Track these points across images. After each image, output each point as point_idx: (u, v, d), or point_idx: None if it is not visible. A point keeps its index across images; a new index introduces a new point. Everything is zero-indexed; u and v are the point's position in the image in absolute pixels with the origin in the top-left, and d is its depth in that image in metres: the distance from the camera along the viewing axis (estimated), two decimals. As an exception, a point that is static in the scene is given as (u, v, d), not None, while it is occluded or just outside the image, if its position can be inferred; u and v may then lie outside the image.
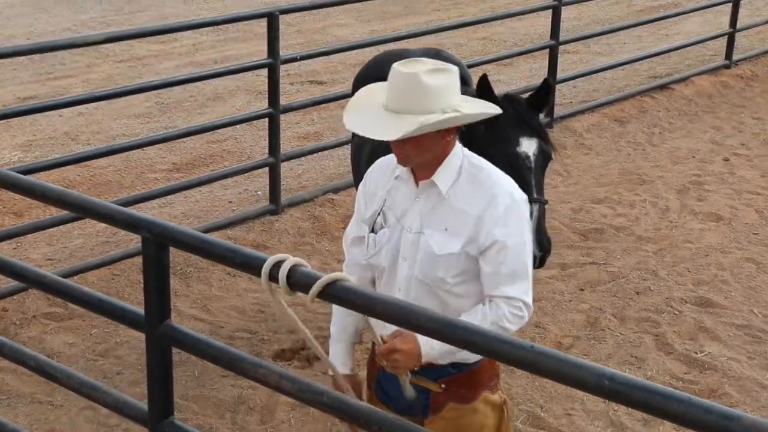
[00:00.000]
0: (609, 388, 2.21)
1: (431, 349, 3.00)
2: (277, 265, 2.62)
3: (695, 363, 5.45)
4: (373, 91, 3.11)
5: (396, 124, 2.88)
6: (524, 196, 3.13)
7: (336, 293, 2.61)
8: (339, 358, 3.46)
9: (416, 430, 2.66)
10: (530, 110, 4.05)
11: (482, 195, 3.03)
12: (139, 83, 8.23)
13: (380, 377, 3.33)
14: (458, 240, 3.03)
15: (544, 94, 4.08)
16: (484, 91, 4.00)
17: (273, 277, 2.62)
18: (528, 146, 4.00)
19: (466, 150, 3.14)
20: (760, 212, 7.50)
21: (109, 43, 8.09)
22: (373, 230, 3.21)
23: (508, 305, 3.07)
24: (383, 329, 3.05)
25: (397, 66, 2.98)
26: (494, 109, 3.12)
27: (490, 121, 3.86)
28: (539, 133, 4.03)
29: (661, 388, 2.18)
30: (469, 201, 3.03)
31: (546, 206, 4.13)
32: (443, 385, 3.19)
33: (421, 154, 3.01)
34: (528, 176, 3.97)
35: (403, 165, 3.09)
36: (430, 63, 2.97)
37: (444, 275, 3.06)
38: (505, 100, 4.03)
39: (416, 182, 3.12)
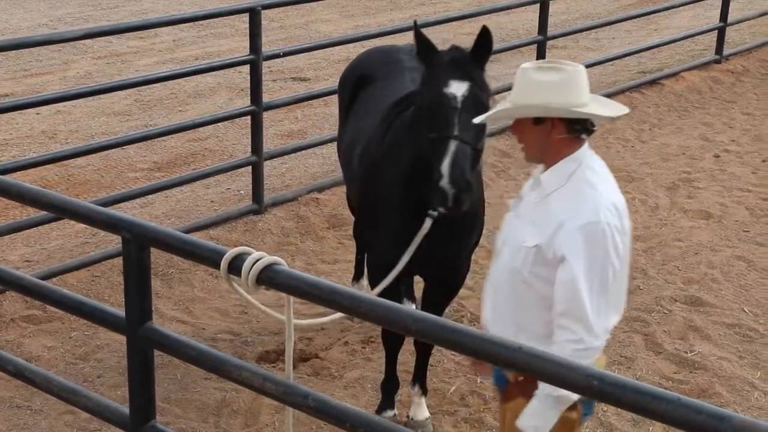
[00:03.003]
0: (598, 388, 2.25)
1: (536, 428, 3.16)
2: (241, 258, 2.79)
3: (685, 363, 5.41)
4: None
5: (491, 112, 3.28)
6: (616, 223, 3.12)
7: (275, 278, 2.71)
8: None
9: (398, 430, 2.69)
10: (471, 60, 4.06)
11: (572, 205, 3.12)
12: (119, 80, 8.18)
13: None
14: (537, 237, 3.15)
15: (484, 42, 4.07)
16: (419, 40, 4.10)
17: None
18: (457, 88, 3.98)
19: (591, 161, 3.21)
20: (751, 209, 7.45)
21: (87, 40, 8.03)
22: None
23: (567, 339, 3.09)
24: (483, 314, 3.39)
25: (524, 64, 3.25)
26: (617, 111, 3.25)
27: (429, 66, 4.08)
28: (472, 78, 4.00)
29: (651, 389, 2.23)
30: (561, 207, 3.14)
31: (477, 150, 4.01)
32: (520, 378, 3.26)
33: (529, 147, 3.22)
34: (451, 115, 3.93)
35: (525, 159, 3.33)
36: (551, 62, 3.20)
37: (521, 267, 3.19)
38: (449, 50, 4.10)
39: (539, 175, 3.30)
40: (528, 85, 3.13)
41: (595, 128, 3.21)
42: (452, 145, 3.88)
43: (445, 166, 3.84)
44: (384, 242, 4.52)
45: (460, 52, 4.08)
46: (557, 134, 3.14)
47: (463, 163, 3.87)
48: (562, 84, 3.10)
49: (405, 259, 4.25)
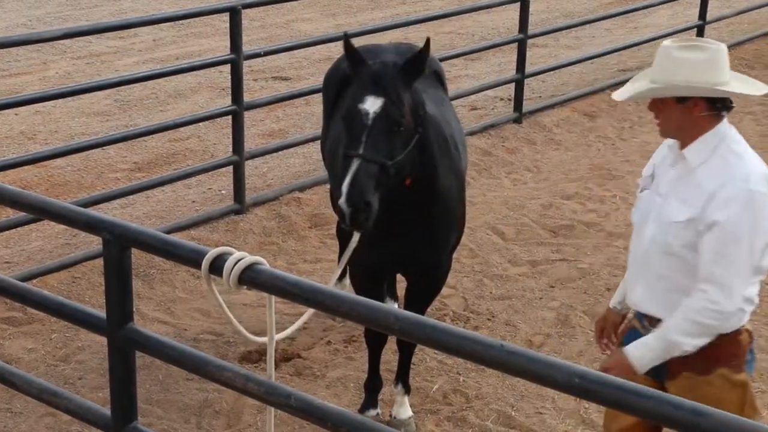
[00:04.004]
0: (579, 386, 2.27)
1: (640, 358, 3.28)
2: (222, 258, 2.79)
3: (667, 359, 5.41)
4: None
5: (631, 89, 3.32)
6: (766, 191, 3.18)
7: (257, 278, 2.71)
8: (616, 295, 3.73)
9: (381, 429, 2.67)
10: (396, 75, 4.04)
11: (722, 174, 3.19)
12: (98, 80, 8.13)
13: (630, 333, 3.52)
14: (688, 211, 3.21)
15: (418, 60, 4.07)
16: (348, 51, 4.10)
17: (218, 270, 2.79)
18: (371, 104, 3.97)
19: (733, 134, 3.29)
20: (730, 206, 7.48)
21: (67, 39, 7.98)
22: (642, 191, 3.48)
23: (700, 296, 3.17)
24: (629, 298, 3.49)
25: (665, 41, 3.33)
26: (758, 89, 3.31)
27: (356, 77, 4.08)
28: (389, 94, 3.98)
29: (632, 386, 2.24)
30: (709, 178, 3.20)
31: (388, 168, 3.94)
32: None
33: (668, 124, 3.28)
34: (360, 132, 3.93)
35: (661, 135, 3.37)
36: (693, 40, 3.27)
37: (673, 242, 3.25)
38: (375, 63, 4.09)
39: (677, 152, 3.34)
40: (672, 63, 3.21)
41: (734, 105, 3.30)
42: (354, 164, 3.87)
43: (345, 184, 3.84)
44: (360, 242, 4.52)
45: (385, 66, 4.06)
46: (699, 112, 3.21)
47: (364, 183, 3.84)
48: (706, 62, 3.18)
49: (347, 254, 4.24)
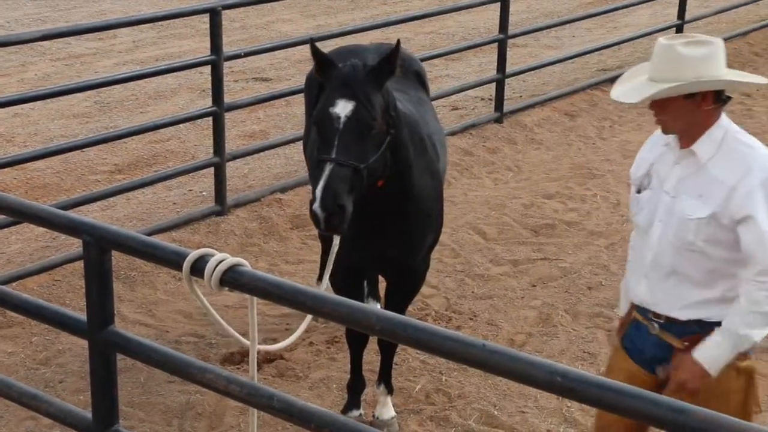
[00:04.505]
0: (561, 385, 2.27)
1: (712, 359, 3.24)
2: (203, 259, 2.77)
3: (649, 357, 5.44)
4: (644, 66, 3.41)
5: (642, 91, 3.23)
6: None
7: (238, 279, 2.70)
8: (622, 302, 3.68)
9: (364, 430, 2.67)
10: (366, 77, 4.04)
11: (739, 167, 3.21)
12: (78, 82, 8.07)
13: (632, 327, 3.52)
14: (709, 206, 3.22)
15: (389, 62, 4.07)
16: (315, 55, 4.10)
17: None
18: (342, 108, 3.98)
19: (733, 125, 3.32)
20: (709, 204, 7.52)
21: (45, 41, 7.93)
22: (639, 191, 3.47)
23: (758, 287, 3.17)
24: (633, 295, 3.45)
25: (660, 39, 3.29)
26: (760, 80, 3.34)
27: (327, 80, 4.07)
28: (359, 98, 3.99)
29: (613, 384, 2.25)
30: (726, 171, 3.22)
31: (361, 171, 3.95)
32: (686, 343, 3.33)
33: (675, 121, 3.27)
34: (332, 136, 3.94)
35: (663, 132, 3.35)
36: (692, 36, 3.26)
37: (694, 239, 3.25)
38: (345, 66, 4.07)
39: (680, 149, 3.34)
40: (678, 60, 3.20)
41: (731, 96, 3.34)
42: (327, 168, 3.89)
43: (318, 189, 3.86)
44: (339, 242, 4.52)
45: (355, 69, 4.06)
46: (707, 105, 3.23)
47: (337, 186, 3.86)
48: (711, 57, 3.22)
49: (331, 259, 4.24)
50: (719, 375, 3.28)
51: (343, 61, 4.16)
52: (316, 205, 3.85)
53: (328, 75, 4.09)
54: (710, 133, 3.27)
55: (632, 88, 3.32)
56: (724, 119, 3.32)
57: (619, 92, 3.36)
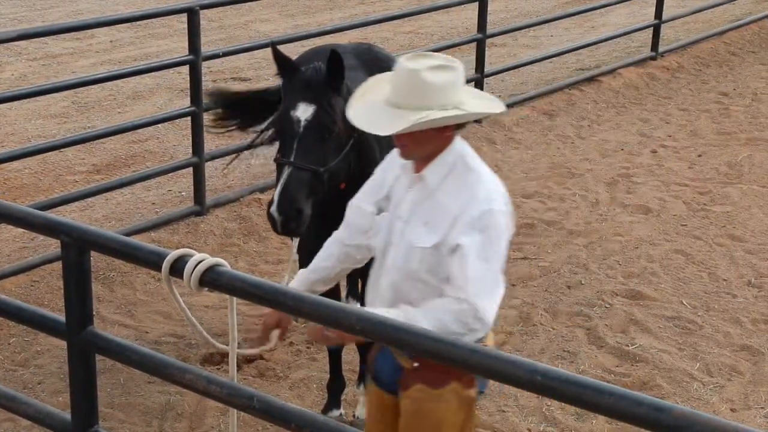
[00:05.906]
0: (541, 383, 2.28)
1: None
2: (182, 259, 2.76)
3: (627, 356, 5.48)
4: (380, 82, 3.24)
5: (393, 120, 3.01)
6: (508, 209, 3.11)
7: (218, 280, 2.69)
8: (298, 283, 3.51)
9: (344, 430, 2.69)
10: (325, 81, 4.03)
11: (464, 196, 3.08)
12: (55, 82, 8.02)
13: (378, 355, 3.37)
14: (434, 236, 3.09)
15: (335, 68, 4.02)
16: (277, 58, 4.10)
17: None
18: (303, 111, 3.99)
19: (466, 148, 3.20)
20: (688, 203, 7.58)
21: (22, 41, 7.88)
22: (378, 213, 3.32)
23: (455, 305, 3.01)
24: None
25: (402, 61, 3.09)
26: (498, 107, 3.19)
27: (289, 83, 4.06)
28: (320, 101, 3.99)
29: (593, 382, 2.26)
30: (452, 199, 3.10)
31: (317, 174, 3.95)
32: (416, 364, 3.19)
33: (421, 148, 3.11)
34: (291, 140, 3.96)
35: (404, 158, 3.19)
36: (435, 59, 3.07)
37: (418, 268, 3.12)
38: (306, 69, 4.06)
39: (413, 173, 3.21)
40: (422, 88, 3.01)
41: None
42: (285, 172, 3.92)
43: (276, 192, 3.89)
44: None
45: (317, 72, 4.05)
46: (449, 132, 3.12)
47: (295, 190, 3.89)
48: (455, 83, 3.06)
49: (290, 267, 4.28)
50: (442, 402, 3.16)
51: (319, 62, 4.16)
52: (273, 209, 3.88)
53: (290, 78, 4.10)
54: (442, 158, 3.13)
55: (372, 112, 3.11)
56: (458, 142, 3.18)
57: (358, 117, 3.15)
